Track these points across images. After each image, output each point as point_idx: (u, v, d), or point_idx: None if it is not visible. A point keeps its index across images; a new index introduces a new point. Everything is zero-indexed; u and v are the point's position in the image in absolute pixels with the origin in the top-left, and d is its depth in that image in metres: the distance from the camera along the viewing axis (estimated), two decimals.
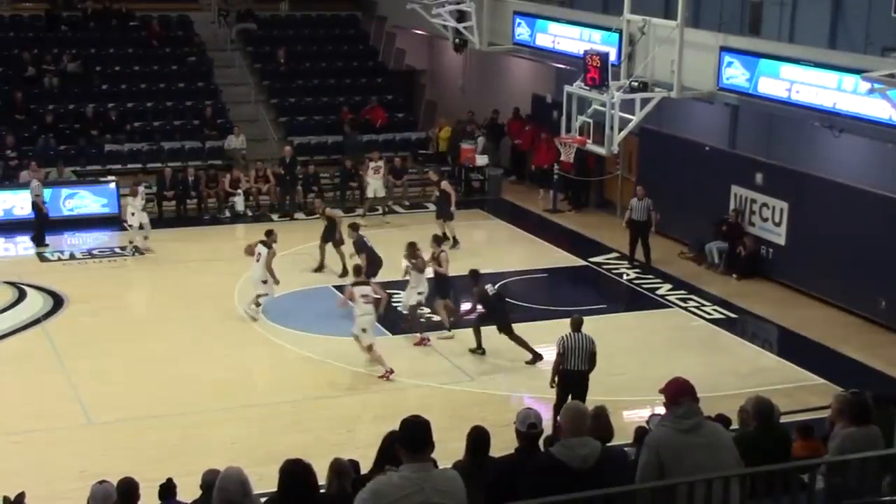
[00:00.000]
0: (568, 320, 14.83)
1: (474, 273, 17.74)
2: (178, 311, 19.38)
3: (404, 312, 18.60)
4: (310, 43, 32.57)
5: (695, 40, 19.41)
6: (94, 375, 16.62)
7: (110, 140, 27.57)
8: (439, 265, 18.46)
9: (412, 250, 18.40)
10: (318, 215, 22.23)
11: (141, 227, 22.94)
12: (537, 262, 22.77)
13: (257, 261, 18.84)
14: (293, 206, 25.91)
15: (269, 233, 19.21)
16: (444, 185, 23.71)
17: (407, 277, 18.42)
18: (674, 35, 19.17)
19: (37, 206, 23.32)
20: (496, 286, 18.37)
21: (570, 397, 14.06)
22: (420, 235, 23.76)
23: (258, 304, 18.96)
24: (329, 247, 21.43)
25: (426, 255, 18.50)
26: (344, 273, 20.78)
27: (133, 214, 22.88)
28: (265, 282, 18.83)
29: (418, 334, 18.20)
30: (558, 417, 6.61)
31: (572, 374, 14.23)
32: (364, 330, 16.62)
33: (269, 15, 33.23)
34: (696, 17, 21.71)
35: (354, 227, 19.80)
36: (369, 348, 16.71)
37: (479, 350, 17.53)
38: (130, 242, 23.11)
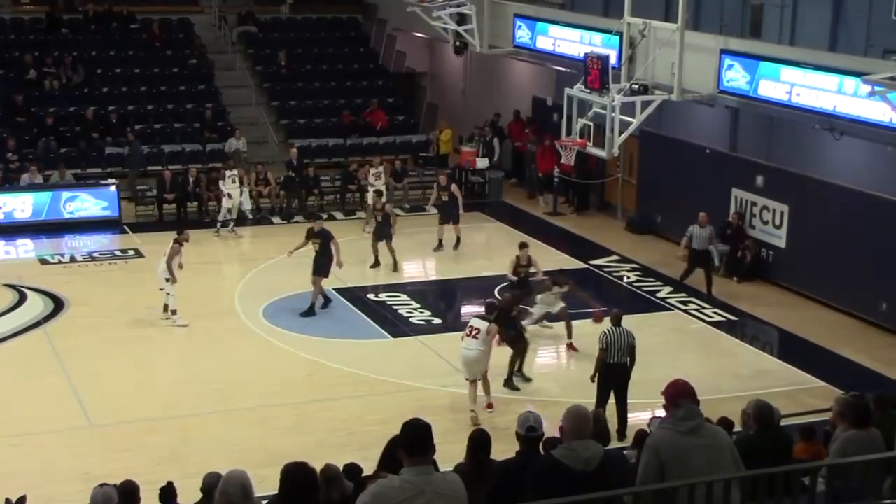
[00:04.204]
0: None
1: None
2: (179, 314, 19.34)
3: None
4: (310, 45, 32.60)
5: (695, 43, 19.42)
6: (94, 378, 16.62)
7: (111, 143, 27.61)
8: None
9: (561, 279, 18.41)
10: (376, 210, 22.40)
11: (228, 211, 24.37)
12: (538, 265, 22.69)
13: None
14: (294, 209, 25.85)
15: (180, 232, 19.44)
16: (454, 188, 23.72)
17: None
18: (674, 38, 19.19)
19: None
20: None
21: (611, 390, 14.50)
22: (421, 238, 23.89)
23: (171, 311, 18.86)
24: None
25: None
26: (395, 268, 21.66)
27: (229, 196, 24.24)
28: (168, 280, 18.73)
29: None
30: (561, 420, 6.59)
31: (614, 367, 14.54)
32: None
33: (270, 17, 33.26)
34: (697, 19, 21.70)
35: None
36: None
37: None
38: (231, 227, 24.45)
